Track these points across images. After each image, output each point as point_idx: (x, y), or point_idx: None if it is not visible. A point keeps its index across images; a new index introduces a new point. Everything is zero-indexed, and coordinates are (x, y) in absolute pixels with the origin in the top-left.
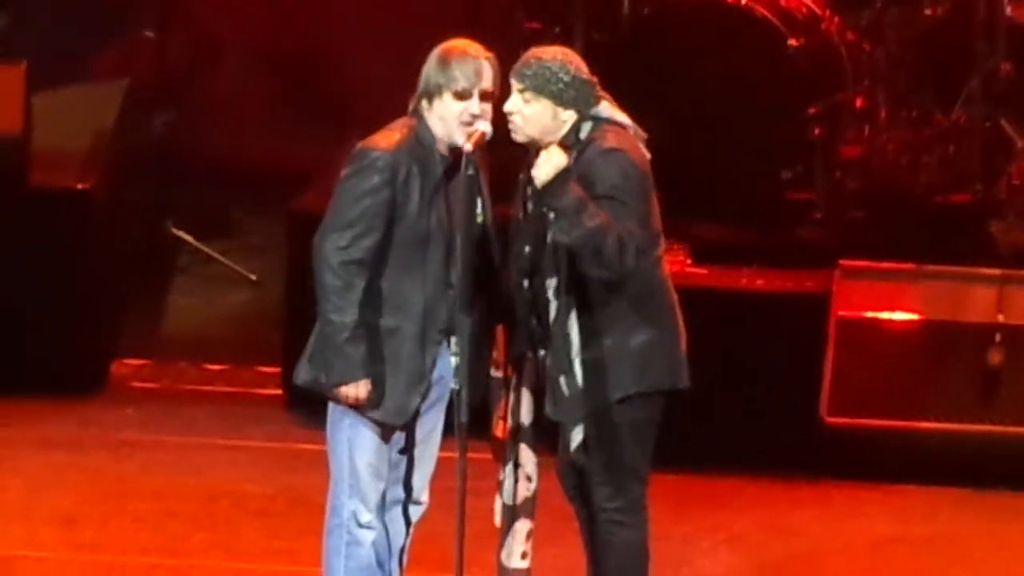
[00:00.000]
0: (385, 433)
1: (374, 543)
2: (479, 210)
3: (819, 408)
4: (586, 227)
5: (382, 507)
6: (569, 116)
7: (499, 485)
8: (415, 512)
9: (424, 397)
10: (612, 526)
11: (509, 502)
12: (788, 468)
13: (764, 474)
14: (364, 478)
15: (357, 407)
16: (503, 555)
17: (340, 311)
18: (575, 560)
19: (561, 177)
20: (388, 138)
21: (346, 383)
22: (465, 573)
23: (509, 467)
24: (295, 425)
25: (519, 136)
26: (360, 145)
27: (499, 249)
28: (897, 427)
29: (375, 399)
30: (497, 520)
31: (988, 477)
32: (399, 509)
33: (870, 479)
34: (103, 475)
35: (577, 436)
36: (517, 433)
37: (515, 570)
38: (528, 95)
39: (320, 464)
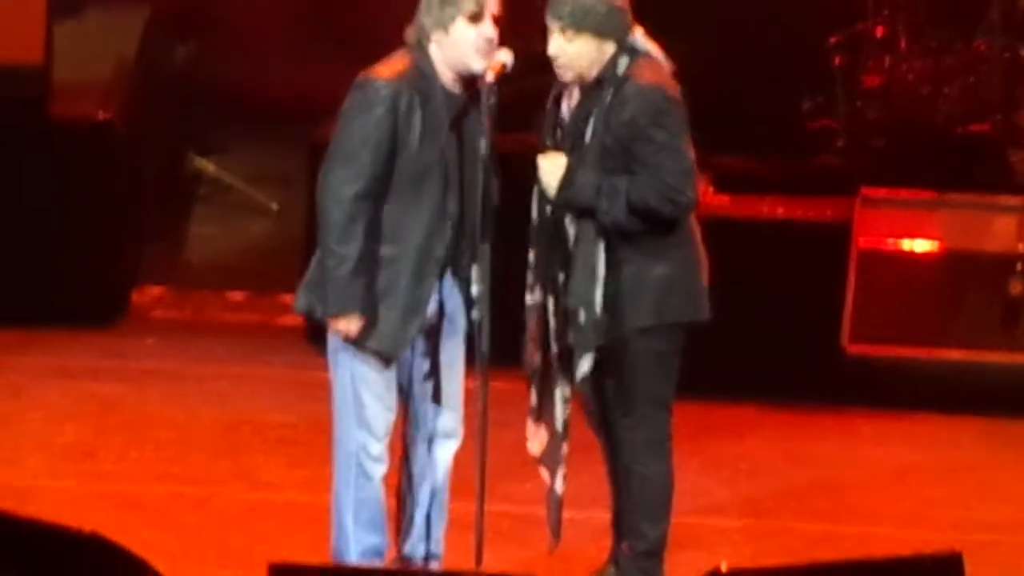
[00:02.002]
0: (389, 362)
1: (384, 476)
2: (483, 143)
3: (840, 337)
4: (617, 206)
5: (408, 445)
6: (610, 47)
7: (532, 412)
8: (448, 447)
9: (425, 328)
10: (637, 455)
11: (561, 429)
12: (809, 397)
13: (785, 403)
14: (370, 408)
15: (350, 340)
16: (557, 484)
17: (343, 243)
18: (599, 490)
19: (570, 176)
20: (390, 68)
21: (341, 316)
22: (487, 502)
23: (557, 392)
24: (316, 354)
25: (569, 76)
26: (362, 76)
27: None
28: (918, 356)
29: (369, 331)
30: (535, 448)
31: (1010, 405)
32: (428, 445)
33: (891, 408)
34: (123, 405)
35: (584, 365)
36: (562, 357)
37: (562, 498)
38: (569, 33)
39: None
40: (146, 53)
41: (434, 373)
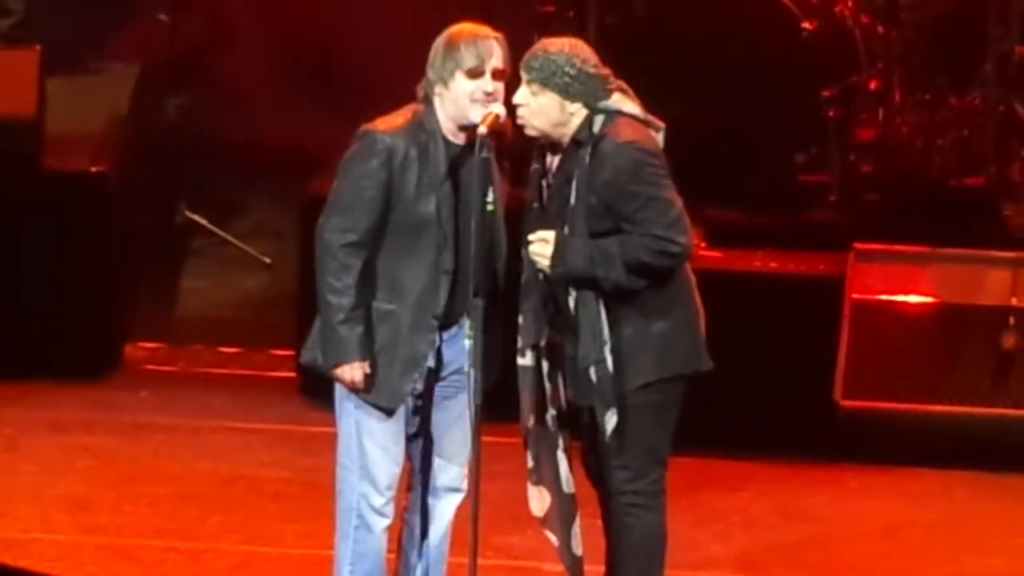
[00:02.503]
0: (393, 413)
1: (385, 529)
2: (489, 198)
3: (833, 391)
4: (614, 270)
5: (418, 497)
6: (576, 109)
7: (531, 475)
8: (452, 501)
9: (425, 381)
10: (631, 508)
11: (569, 490)
12: (802, 451)
13: (778, 457)
14: (374, 459)
15: (353, 390)
16: (573, 544)
17: (336, 293)
18: (595, 545)
19: (560, 251)
20: (390, 121)
21: (341, 364)
22: (481, 556)
23: (560, 454)
24: (309, 408)
25: (529, 130)
26: (362, 128)
27: (505, 237)
28: (911, 410)
29: (370, 382)
30: (537, 511)
31: (1002, 460)
32: (431, 499)
33: (884, 462)
34: (117, 458)
35: (611, 420)
36: (561, 419)
37: (581, 559)
38: (535, 87)
39: (334, 447)
40: (139, 107)
41: (437, 427)
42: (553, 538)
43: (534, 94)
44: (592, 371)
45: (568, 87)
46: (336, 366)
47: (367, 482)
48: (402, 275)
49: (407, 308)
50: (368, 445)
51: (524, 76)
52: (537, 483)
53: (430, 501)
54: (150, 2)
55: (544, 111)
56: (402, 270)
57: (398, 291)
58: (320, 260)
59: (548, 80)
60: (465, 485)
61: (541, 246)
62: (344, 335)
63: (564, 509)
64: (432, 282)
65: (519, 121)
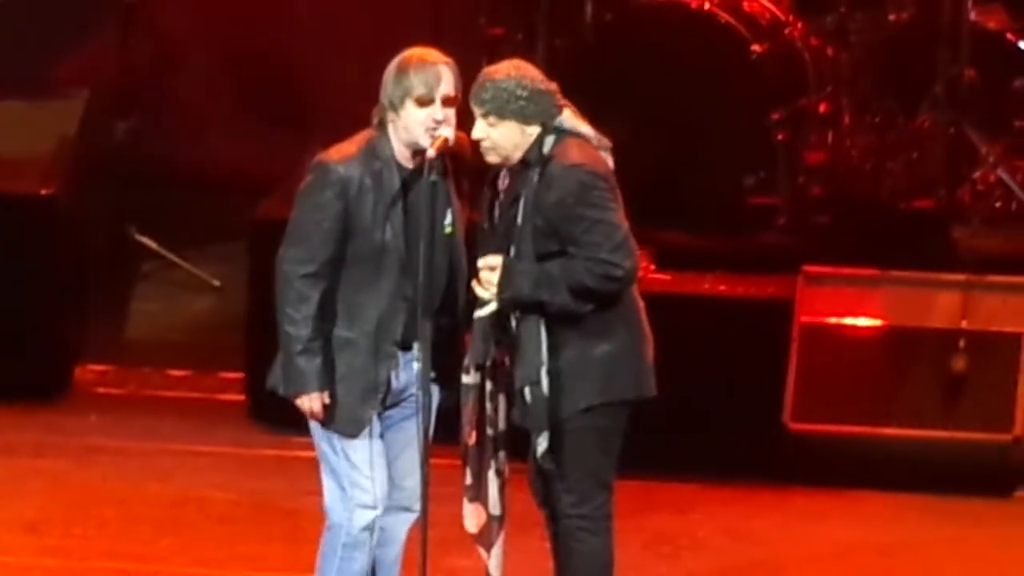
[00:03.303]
0: (352, 436)
1: (371, 547)
2: (447, 220)
3: (782, 414)
4: (559, 294)
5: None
6: (535, 129)
7: (468, 491)
8: (404, 520)
9: (391, 407)
10: (577, 532)
11: (496, 512)
12: (751, 474)
13: (726, 480)
14: (363, 474)
15: (313, 418)
16: (492, 566)
17: (294, 324)
18: (542, 568)
19: (507, 276)
20: (343, 150)
21: (299, 395)
22: None
23: (491, 474)
24: (258, 431)
25: (492, 158)
26: (316, 158)
27: (465, 258)
28: (860, 433)
29: (330, 411)
30: (471, 527)
31: (951, 483)
32: (389, 518)
33: (833, 485)
34: (67, 481)
35: (542, 443)
36: (497, 440)
37: None
38: (492, 119)
39: (284, 470)
40: (88, 130)
41: (393, 447)
42: (484, 555)
43: (492, 125)
44: (527, 392)
45: (524, 110)
46: (296, 396)
47: (357, 499)
48: (361, 303)
49: (366, 335)
50: (356, 461)
51: (477, 110)
52: (473, 499)
53: (385, 520)
54: (100, 26)
55: (506, 139)
56: (361, 298)
57: (357, 319)
58: (279, 291)
59: (503, 109)
60: (417, 505)
61: (488, 273)
62: (302, 366)
63: (491, 529)
64: (391, 308)
65: (483, 152)
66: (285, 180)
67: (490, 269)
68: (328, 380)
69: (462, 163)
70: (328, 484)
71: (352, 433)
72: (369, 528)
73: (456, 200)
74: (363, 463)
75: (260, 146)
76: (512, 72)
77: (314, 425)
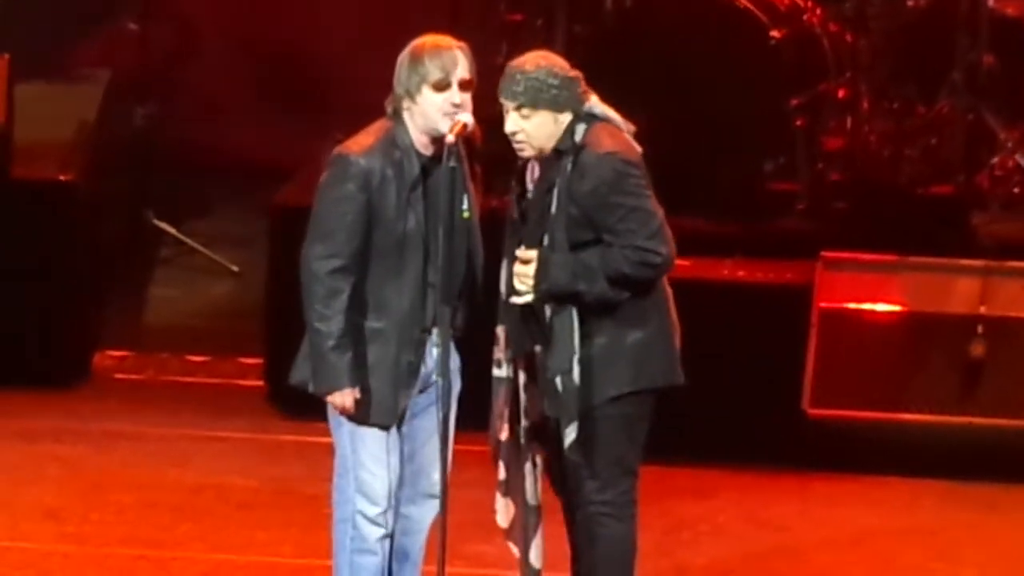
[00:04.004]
0: (388, 427)
1: (381, 540)
2: (464, 205)
3: (801, 400)
4: (597, 284)
5: (396, 505)
6: (566, 117)
7: (500, 486)
8: (431, 507)
9: (418, 393)
10: (601, 518)
11: (534, 502)
12: (770, 460)
13: (746, 466)
14: (370, 470)
15: (345, 415)
16: (532, 556)
17: (324, 319)
18: (560, 553)
19: (543, 268)
20: (362, 142)
21: (332, 391)
22: (451, 564)
23: (528, 466)
24: (277, 417)
25: (528, 151)
26: (336, 151)
27: (482, 243)
28: (879, 419)
29: (362, 404)
30: (503, 522)
31: (970, 469)
32: (412, 505)
33: (852, 471)
34: (85, 467)
35: (571, 433)
36: (531, 431)
37: (540, 571)
38: (526, 111)
39: (302, 455)
40: (107, 115)
41: (420, 433)
42: (515, 550)
43: (526, 117)
44: (559, 381)
45: (557, 99)
46: (325, 393)
47: (362, 494)
48: (388, 292)
49: (395, 325)
50: (364, 457)
51: (510, 104)
52: (506, 494)
53: (410, 508)
54: (119, 11)
55: (541, 130)
56: (388, 287)
57: (385, 309)
58: (307, 288)
59: (536, 99)
60: (440, 491)
61: (522, 267)
62: (334, 362)
63: (527, 521)
64: (418, 295)
65: (515, 147)
66: (304, 166)
67: (524, 263)
68: (360, 375)
69: (473, 147)
70: (338, 477)
71: (387, 423)
72: (375, 522)
73: (471, 184)
74: (369, 459)
75: (279, 132)
76: (541, 62)
77: (335, 414)
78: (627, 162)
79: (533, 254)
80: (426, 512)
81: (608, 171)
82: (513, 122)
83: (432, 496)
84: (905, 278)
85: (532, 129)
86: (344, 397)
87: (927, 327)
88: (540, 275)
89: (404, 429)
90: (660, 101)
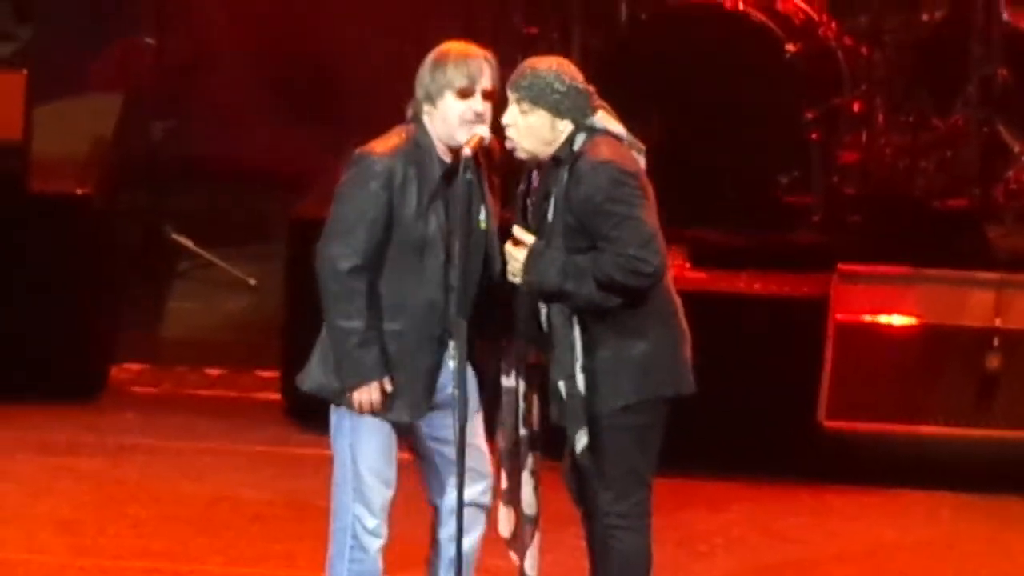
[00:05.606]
0: (389, 437)
1: (380, 550)
2: (481, 216)
3: (817, 412)
4: (586, 285)
5: (440, 513)
6: (565, 126)
7: (503, 495)
8: (478, 516)
9: (433, 411)
10: (615, 531)
11: (531, 512)
12: (786, 472)
13: (762, 478)
14: (367, 482)
15: (372, 410)
16: (527, 566)
17: (347, 317)
18: (578, 565)
19: (533, 259)
20: (385, 143)
21: (360, 386)
22: None
23: (526, 474)
24: (294, 430)
25: (519, 152)
26: (357, 151)
27: (499, 254)
28: (895, 431)
29: (388, 400)
30: (505, 531)
31: (987, 481)
32: (452, 515)
33: (868, 483)
34: (102, 480)
35: (581, 440)
36: (531, 440)
37: None
38: (525, 106)
39: (319, 469)
40: (124, 129)
41: (449, 444)
42: (515, 558)
43: (524, 113)
44: (562, 386)
45: (559, 104)
46: (354, 388)
47: (361, 504)
48: (406, 294)
49: (415, 325)
50: (362, 468)
51: (512, 96)
52: (508, 503)
53: (452, 517)
54: (135, 25)
55: (534, 130)
56: (406, 289)
57: (403, 309)
58: (326, 288)
59: (538, 98)
60: (487, 500)
61: (513, 248)
62: (360, 357)
63: (524, 530)
64: (437, 298)
65: (508, 144)
66: (321, 178)
67: (516, 244)
68: (384, 371)
69: (492, 158)
70: (336, 488)
71: (413, 419)
72: (374, 533)
73: (490, 195)
74: (368, 472)
75: (295, 145)
76: (554, 65)
77: (337, 424)
78: (623, 171)
79: (529, 239)
80: (476, 520)
81: (603, 179)
82: (511, 114)
83: (476, 506)
84: (921, 290)
85: (527, 126)
86: (372, 391)
87: (943, 339)
88: (528, 264)
89: (419, 449)
90: (675, 114)
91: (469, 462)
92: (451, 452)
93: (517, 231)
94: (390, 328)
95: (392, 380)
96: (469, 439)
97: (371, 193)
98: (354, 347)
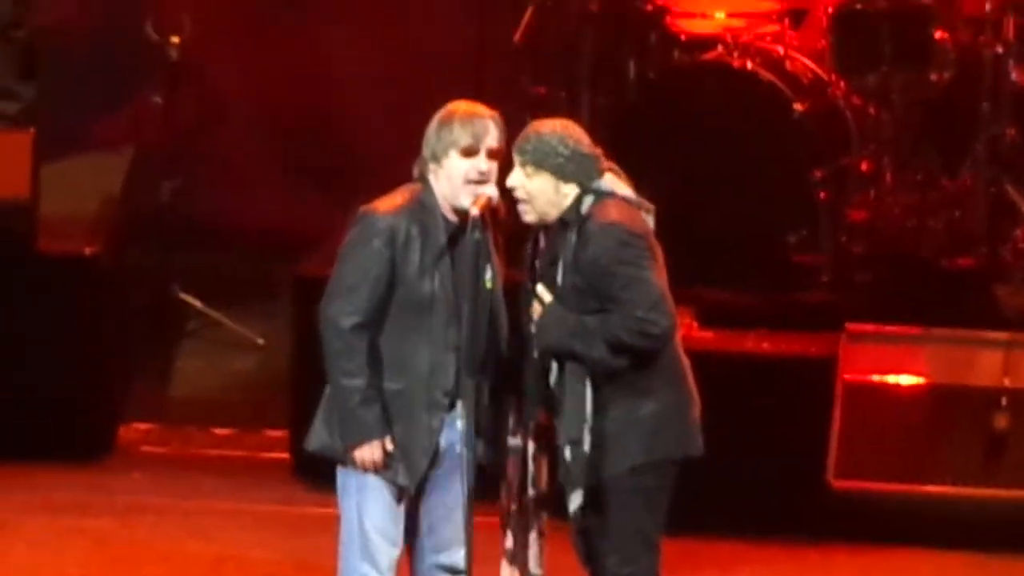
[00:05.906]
0: (395, 496)
1: None
2: (488, 276)
3: (825, 472)
4: (595, 347)
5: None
6: (571, 189)
7: (507, 554)
8: None
9: (435, 461)
10: None
11: (536, 572)
12: (794, 532)
13: (770, 538)
14: (374, 541)
15: (374, 469)
16: None
17: (349, 375)
18: None
19: (545, 315)
20: (389, 202)
21: (361, 445)
22: None
23: (533, 535)
24: (302, 489)
25: (529, 216)
26: (362, 210)
27: (505, 314)
28: (904, 491)
29: (389, 461)
30: None
31: (994, 541)
32: None
33: (877, 543)
34: (110, 540)
35: (575, 500)
36: (539, 500)
37: None
38: (529, 169)
39: (327, 528)
40: (132, 188)
41: (442, 507)
42: None
43: (528, 176)
44: (568, 450)
45: (562, 168)
46: (356, 446)
47: (367, 563)
48: (408, 353)
49: (417, 385)
50: (369, 528)
51: (517, 159)
52: (512, 562)
53: None
54: (144, 84)
55: (540, 193)
56: (408, 348)
57: (406, 369)
58: (329, 345)
59: (542, 161)
60: (464, 566)
61: (537, 305)
62: (362, 416)
63: None
64: (441, 359)
65: (519, 208)
66: (328, 238)
67: (540, 302)
68: (385, 430)
69: (498, 218)
70: (343, 547)
71: (410, 483)
72: None
73: (496, 255)
74: (374, 532)
75: (304, 205)
76: (559, 129)
77: (344, 484)
78: (630, 233)
79: (548, 297)
80: None
81: (611, 240)
82: (516, 176)
83: (456, 572)
84: (929, 350)
85: (532, 189)
86: (374, 449)
87: (951, 399)
88: (540, 327)
89: (421, 504)
90: (684, 173)
91: (453, 530)
92: (458, 516)
93: (541, 290)
94: (391, 388)
95: (393, 440)
96: (457, 499)
97: (374, 251)
98: (356, 405)
